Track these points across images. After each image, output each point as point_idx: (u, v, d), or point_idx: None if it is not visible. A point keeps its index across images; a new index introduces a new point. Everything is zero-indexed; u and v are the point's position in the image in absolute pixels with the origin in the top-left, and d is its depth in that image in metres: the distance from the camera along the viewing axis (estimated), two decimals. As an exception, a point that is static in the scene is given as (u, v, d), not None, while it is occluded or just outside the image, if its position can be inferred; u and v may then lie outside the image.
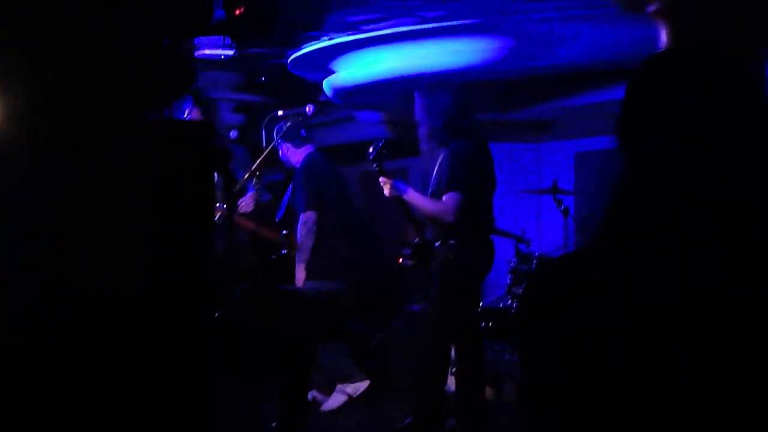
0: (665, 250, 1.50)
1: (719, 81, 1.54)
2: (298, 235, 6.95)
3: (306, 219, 6.91)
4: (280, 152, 7.19)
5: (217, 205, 6.43)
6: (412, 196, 6.05)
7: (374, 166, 6.16)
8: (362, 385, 7.24)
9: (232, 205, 5.62)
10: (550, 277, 1.70)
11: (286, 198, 7.29)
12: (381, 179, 6.11)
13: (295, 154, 7.17)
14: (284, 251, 7.16)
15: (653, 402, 1.47)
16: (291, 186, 7.17)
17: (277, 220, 7.27)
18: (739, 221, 1.49)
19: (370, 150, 6.19)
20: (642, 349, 1.48)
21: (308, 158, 7.11)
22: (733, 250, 1.48)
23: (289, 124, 7.12)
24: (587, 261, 1.62)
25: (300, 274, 6.95)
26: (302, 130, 7.22)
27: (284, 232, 7.25)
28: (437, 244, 5.95)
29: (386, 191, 6.09)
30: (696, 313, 1.46)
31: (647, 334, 1.48)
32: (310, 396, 7.30)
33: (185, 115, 6.73)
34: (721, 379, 1.44)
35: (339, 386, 7.26)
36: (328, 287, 6.74)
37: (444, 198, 5.84)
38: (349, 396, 7.21)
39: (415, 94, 6.13)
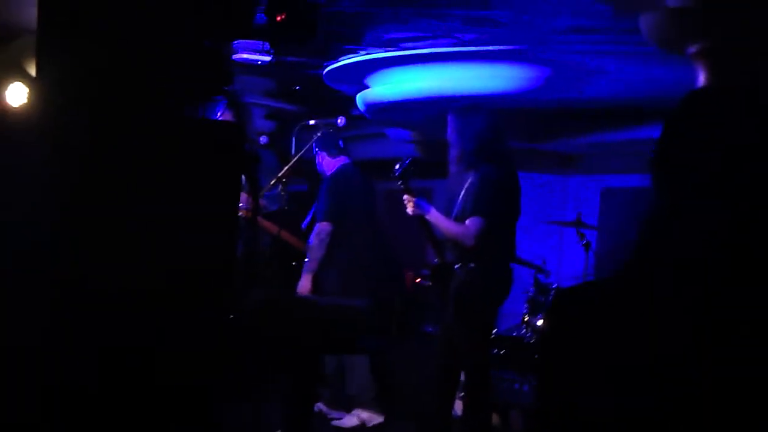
0: (697, 290, 1.49)
1: (759, 122, 1.54)
2: (311, 245, 6.96)
3: (320, 229, 6.91)
4: (317, 160, 7.22)
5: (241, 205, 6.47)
6: (435, 217, 6.03)
7: (399, 183, 6.15)
8: (377, 419, 7.24)
9: (256, 210, 5.62)
10: (573, 308, 1.68)
11: (314, 207, 7.30)
12: (405, 197, 6.09)
13: (329, 164, 7.19)
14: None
15: None
16: (318, 195, 7.18)
17: (303, 227, 7.28)
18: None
19: (397, 167, 6.18)
20: (663, 390, 1.47)
21: (340, 169, 7.12)
22: (765, 297, 1.46)
23: (326, 132, 7.16)
24: (612, 294, 1.61)
25: (306, 283, 6.94)
26: (340, 141, 7.25)
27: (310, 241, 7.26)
28: (457, 266, 5.93)
29: (409, 209, 6.07)
30: (723, 357, 1.45)
31: (670, 373, 1.47)
32: (316, 408, 7.31)
33: (218, 117, 6.76)
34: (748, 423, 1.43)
35: (356, 410, 7.26)
36: (343, 301, 6.74)
37: (467, 222, 5.82)
38: (363, 422, 7.21)
39: (449, 116, 6.12)
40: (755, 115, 1.55)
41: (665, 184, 1.60)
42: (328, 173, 7.17)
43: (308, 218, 7.34)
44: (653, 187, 1.61)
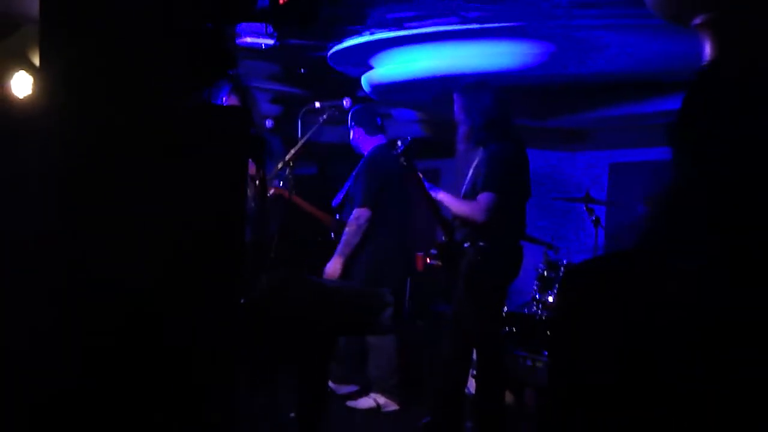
0: (717, 261, 1.48)
1: None
2: (347, 229, 6.93)
3: (359, 215, 6.89)
4: (352, 136, 7.20)
5: (274, 183, 6.49)
6: (444, 197, 6.02)
7: (402, 161, 6.14)
8: (393, 406, 7.25)
9: (264, 194, 5.62)
10: (584, 283, 1.67)
11: (347, 184, 7.27)
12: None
13: (366, 141, 7.18)
14: (333, 235, 7.17)
15: (685, 415, 1.45)
16: (354, 174, 7.15)
17: (333, 205, 7.26)
18: None
19: (399, 144, 6.17)
20: (676, 363, 1.46)
21: (378, 150, 7.10)
22: None
23: (363, 107, 7.14)
24: (624, 269, 1.60)
25: (336, 266, 6.93)
26: (377, 119, 7.25)
27: (337, 216, 7.25)
28: (466, 245, 5.92)
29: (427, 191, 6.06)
30: (731, 341, 1.44)
31: (685, 347, 1.46)
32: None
33: (223, 102, 6.75)
34: (757, 396, 1.42)
35: (374, 394, 7.27)
36: (358, 285, 6.75)
37: (478, 197, 5.81)
38: (379, 406, 7.22)
39: (455, 94, 6.10)
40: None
41: (684, 157, 1.58)
42: (365, 152, 7.16)
43: (340, 195, 7.31)
44: (671, 159, 1.59)
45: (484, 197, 5.78)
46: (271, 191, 6.80)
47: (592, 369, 1.55)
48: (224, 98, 6.60)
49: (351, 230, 6.91)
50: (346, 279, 7.01)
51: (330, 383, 7.42)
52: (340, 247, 6.97)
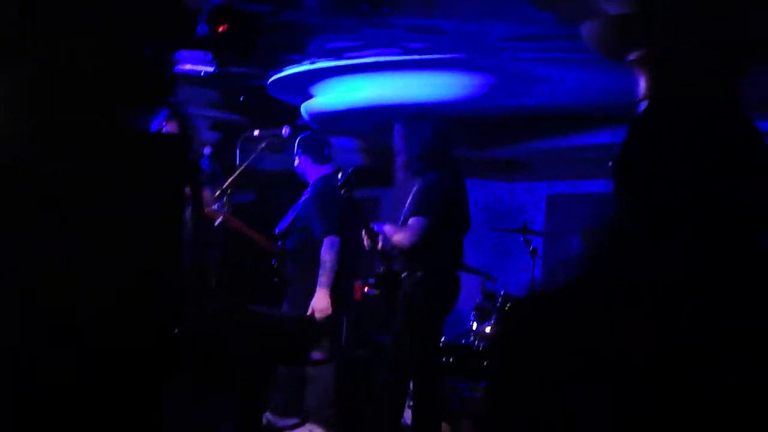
0: (660, 296, 1.49)
1: (724, 132, 1.55)
2: (324, 259, 6.83)
3: (332, 242, 6.81)
4: (297, 162, 7.13)
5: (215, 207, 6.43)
6: (387, 229, 6.04)
7: (342, 192, 6.14)
8: None
9: (200, 220, 5.59)
10: (524, 318, 1.68)
11: (290, 212, 7.20)
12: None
13: (312, 170, 7.11)
14: (274, 262, 7.09)
15: None
16: (303, 203, 7.09)
17: (276, 232, 7.18)
18: (733, 265, 1.49)
19: (339, 176, 6.18)
20: (619, 394, 1.46)
21: (327, 180, 7.04)
22: (723, 298, 1.47)
23: (309, 135, 7.12)
24: (565, 305, 1.60)
25: (323, 298, 6.82)
26: (326, 149, 7.21)
27: (279, 243, 7.17)
28: (404, 275, 5.93)
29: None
30: (673, 379, 1.44)
31: (625, 385, 1.46)
32: (264, 418, 7.25)
33: (161, 128, 6.70)
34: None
35: (310, 425, 7.20)
36: (291, 312, 6.71)
37: (409, 222, 5.83)
38: None
39: (395, 123, 6.12)
40: (721, 124, 1.56)
41: (627, 193, 1.59)
42: (311, 180, 7.11)
43: (284, 223, 7.24)
44: (615, 195, 1.60)
45: (413, 221, 5.80)
46: (219, 218, 6.74)
47: (531, 402, 1.55)
48: (163, 125, 6.57)
49: (330, 259, 6.83)
50: (291, 305, 6.95)
51: (269, 415, 7.35)
52: (323, 279, 6.84)
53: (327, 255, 6.79)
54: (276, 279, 7.08)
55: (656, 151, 1.57)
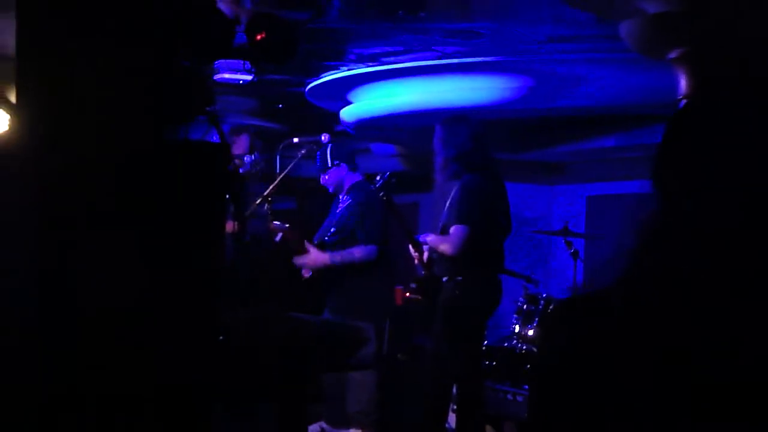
0: (696, 303, 1.47)
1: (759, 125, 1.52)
2: (353, 252, 6.91)
3: (370, 251, 6.88)
4: (331, 171, 7.17)
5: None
6: (431, 239, 6.07)
7: (381, 195, 6.17)
8: None
9: (243, 229, 5.61)
10: (569, 321, 1.66)
11: (329, 221, 7.25)
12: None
13: (349, 178, 7.17)
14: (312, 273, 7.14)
15: None
16: (346, 210, 7.11)
17: (315, 241, 7.23)
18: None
19: (377, 179, 6.21)
20: (664, 409, 1.44)
21: (365, 186, 7.10)
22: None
23: (340, 144, 7.19)
24: (609, 306, 1.59)
25: (324, 259, 6.95)
26: (356, 156, 7.32)
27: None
28: (445, 279, 5.93)
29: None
30: (723, 373, 1.42)
31: (671, 390, 1.44)
32: (318, 427, 7.27)
33: (235, 143, 6.85)
34: None
35: (354, 430, 7.22)
36: (348, 322, 6.72)
37: (450, 231, 5.83)
38: None
39: (436, 126, 6.14)
40: (760, 119, 1.52)
41: (666, 190, 1.57)
42: (347, 188, 7.16)
43: (320, 232, 7.28)
44: (654, 192, 1.58)
45: (454, 230, 5.81)
46: (279, 234, 6.87)
47: (576, 406, 1.54)
48: (234, 140, 6.72)
49: (356, 257, 6.90)
50: (332, 312, 6.99)
51: (324, 425, 7.37)
52: (338, 254, 6.94)
53: (357, 253, 6.85)
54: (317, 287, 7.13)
55: (693, 150, 1.55)
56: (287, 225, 7.03)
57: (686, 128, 1.59)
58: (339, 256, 6.93)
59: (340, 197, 7.21)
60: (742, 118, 1.53)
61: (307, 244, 6.98)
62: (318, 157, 7.17)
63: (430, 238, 6.06)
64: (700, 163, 1.53)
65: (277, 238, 6.94)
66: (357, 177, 7.19)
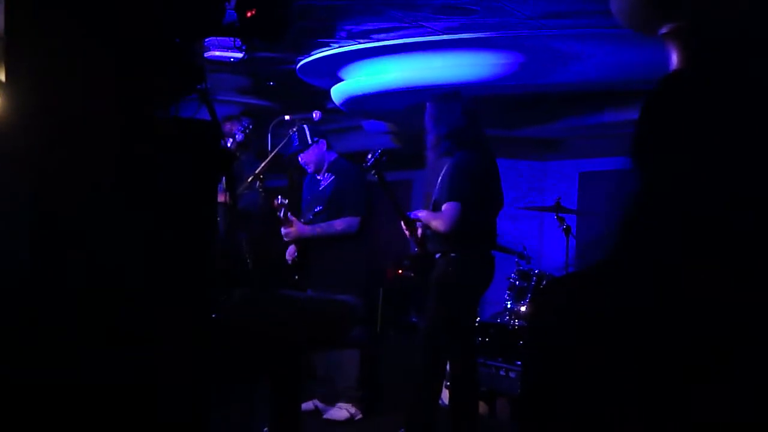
0: (682, 275, 1.47)
1: (741, 100, 1.51)
2: (334, 224, 6.98)
3: (351, 222, 6.98)
4: (312, 151, 7.20)
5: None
6: (422, 215, 6.07)
7: (372, 173, 6.17)
8: (359, 415, 7.27)
9: (235, 207, 5.60)
10: (559, 297, 1.67)
11: (309, 198, 7.29)
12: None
13: (329, 155, 7.25)
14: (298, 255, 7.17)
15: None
16: (328, 186, 7.15)
17: (302, 220, 7.26)
18: (757, 243, 1.47)
19: (369, 157, 6.20)
20: (652, 386, 1.45)
21: (344, 162, 7.19)
22: (751, 274, 1.45)
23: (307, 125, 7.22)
24: (594, 285, 1.59)
25: (303, 231, 7.01)
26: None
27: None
28: (438, 255, 5.93)
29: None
30: (715, 347, 1.43)
31: (660, 367, 1.45)
32: (311, 405, 7.31)
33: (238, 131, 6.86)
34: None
35: (342, 404, 7.27)
36: (325, 296, 6.74)
37: (443, 207, 5.83)
38: (351, 416, 7.23)
39: (428, 103, 6.12)
40: (738, 97, 1.52)
41: (645, 168, 1.57)
42: (328, 164, 7.22)
43: (304, 210, 7.32)
44: (633, 171, 1.58)
45: (447, 207, 5.80)
46: (282, 211, 6.98)
47: (567, 382, 1.54)
48: (239, 129, 6.74)
49: (338, 229, 6.97)
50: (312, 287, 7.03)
51: (318, 402, 7.41)
52: (319, 227, 7.01)
53: (338, 225, 6.92)
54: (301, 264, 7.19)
55: (668, 127, 1.55)
56: (286, 201, 7.08)
57: (659, 105, 1.60)
58: (320, 228, 7.00)
59: (319, 176, 7.25)
60: (717, 96, 1.53)
61: (291, 216, 7.03)
62: (294, 138, 7.19)
63: (423, 215, 6.05)
64: (678, 141, 1.53)
65: (281, 214, 7.01)
66: (334, 154, 7.26)
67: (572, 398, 1.52)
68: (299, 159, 7.27)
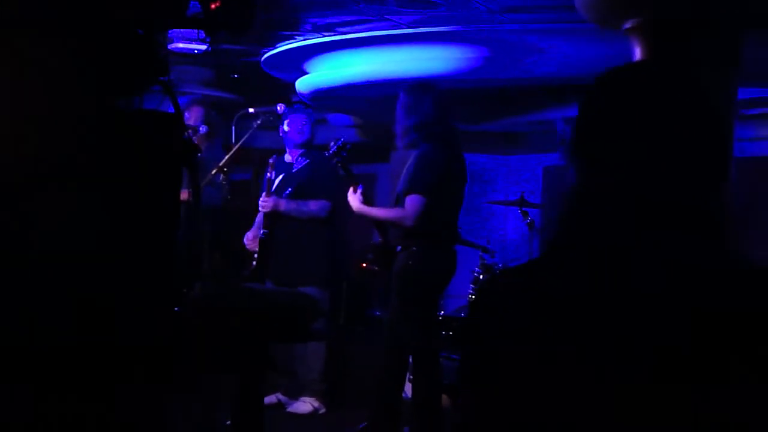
0: (617, 265, 1.50)
1: (673, 98, 1.56)
2: (309, 204, 6.99)
3: (324, 207, 6.99)
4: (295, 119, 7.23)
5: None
6: (368, 211, 6.05)
7: (334, 162, 6.18)
8: (323, 409, 7.28)
9: (198, 200, 5.58)
10: (499, 287, 1.70)
11: (281, 182, 7.28)
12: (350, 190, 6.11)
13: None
14: (265, 232, 7.14)
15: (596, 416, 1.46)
16: (301, 171, 7.15)
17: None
18: (693, 228, 1.51)
19: (331, 144, 6.21)
20: (584, 371, 1.47)
21: (315, 152, 7.19)
22: (688, 258, 1.48)
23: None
24: (539, 272, 1.62)
25: (278, 205, 7.04)
26: None
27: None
28: (399, 248, 5.92)
29: (355, 204, 6.10)
30: (647, 334, 1.45)
31: (593, 351, 1.47)
32: (275, 398, 7.30)
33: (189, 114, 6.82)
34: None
35: (306, 398, 7.27)
36: (290, 289, 6.73)
37: (406, 200, 5.81)
38: (315, 410, 7.24)
39: (400, 92, 6.09)
40: (672, 93, 1.57)
41: (581, 165, 1.61)
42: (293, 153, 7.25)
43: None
44: (573, 161, 1.62)
45: (410, 199, 5.78)
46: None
47: (494, 381, 1.57)
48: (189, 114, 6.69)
49: (314, 209, 6.97)
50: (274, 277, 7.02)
51: (281, 395, 7.40)
52: (293, 203, 7.01)
53: (313, 206, 6.94)
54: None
55: (604, 123, 1.59)
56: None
57: (595, 103, 1.64)
58: (294, 204, 6.99)
59: (290, 160, 7.25)
60: (650, 95, 1.57)
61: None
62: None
63: (381, 213, 6.05)
64: (617, 132, 1.57)
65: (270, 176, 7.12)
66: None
67: (505, 391, 1.55)
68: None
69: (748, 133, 9.00)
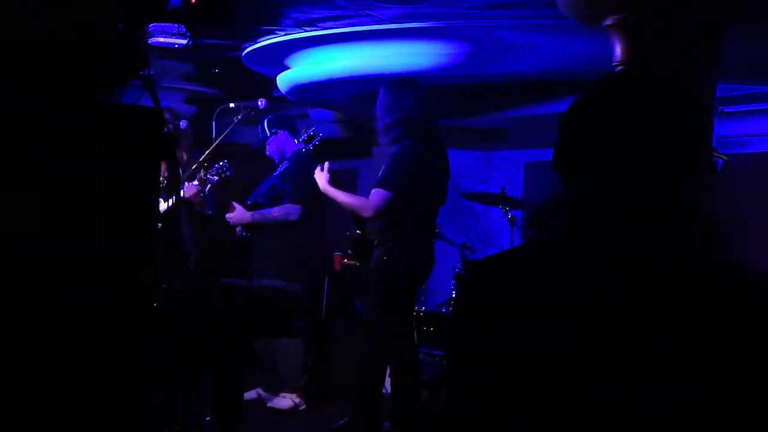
0: (593, 272, 1.52)
1: (659, 102, 1.58)
2: (272, 211, 6.98)
3: (292, 211, 6.95)
4: (272, 140, 7.23)
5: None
6: (333, 192, 6.04)
7: (304, 147, 6.22)
8: (303, 404, 7.29)
9: (177, 194, 5.57)
10: (477, 282, 1.71)
11: (264, 184, 7.28)
12: (317, 168, 6.13)
13: (291, 145, 7.22)
14: (246, 233, 7.14)
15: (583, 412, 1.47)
16: (280, 174, 7.15)
17: (248, 202, 7.25)
18: (678, 229, 1.52)
19: (302, 132, 6.24)
20: (554, 369, 1.49)
21: (303, 152, 7.15)
22: (670, 264, 1.49)
23: (279, 114, 7.22)
24: (514, 269, 1.64)
25: (244, 217, 7.03)
26: (293, 122, 7.38)
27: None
28: (375, 243, 5.91)
29: (320, 182, 6.11)
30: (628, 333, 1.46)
31: (562, 350, 1.49)
32: (255, 394, 7.30)
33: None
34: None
35: (287, 393, 7.27)
36: (272, 284, 6.73)
37: (371, 192, 5.80)
38: (296, 405, 7.24)
39: (380, 88, 6.06)
40: (655, 101, 1.60)
41: (566, 171, 1.63)
42: (289, 153, 7.20)
43: (255, 194, 7.30)
44: (556, 162, 1.65)
45: (374, 193, 5.78)
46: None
47: (480, 368, 1.57)
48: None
49: (276, 217, 6.95)
50: (257, 275, 7.02)
51: (261, 391, 7.40)
52: (258, 213, 7.01)
53: (276, 212, 6.93)
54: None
55: (590, 130, 1.62)
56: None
57: (581, 110, 1.67)
58: (259, 215, 7.00)
59: (280, 166, 7.26)
60: (639, 103, 1.60)
61: (233, 203, 7.04)
62: (259, 130, 7.26)
63: (341, 196, 6.04)
64: (593, 145, 1.59)
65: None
66: (295, 145, 7.25)
67: (485, 383, 1.55)
68: (266, 151, 7.34)
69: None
